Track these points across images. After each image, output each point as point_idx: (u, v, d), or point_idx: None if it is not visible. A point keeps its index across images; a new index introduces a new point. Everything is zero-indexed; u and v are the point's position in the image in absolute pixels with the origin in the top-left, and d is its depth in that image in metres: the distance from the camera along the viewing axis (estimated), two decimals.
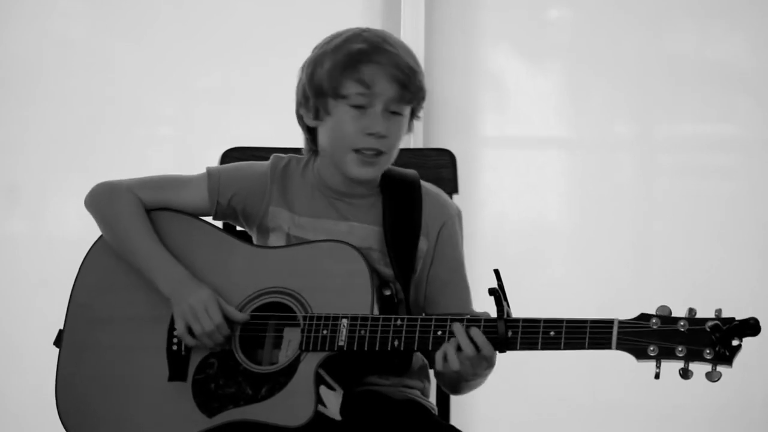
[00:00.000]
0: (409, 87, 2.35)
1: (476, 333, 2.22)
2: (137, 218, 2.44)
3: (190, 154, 3.81)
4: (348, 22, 2.48)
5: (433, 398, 2.55)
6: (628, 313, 2.17)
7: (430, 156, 2.76)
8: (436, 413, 2.49)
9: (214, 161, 2.66)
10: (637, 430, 3.74)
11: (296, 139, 2.53)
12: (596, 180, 3.77)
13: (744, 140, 3.75)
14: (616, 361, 3.55)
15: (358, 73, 2.33)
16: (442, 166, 2.73)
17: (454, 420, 2.58)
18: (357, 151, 2.36)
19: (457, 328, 2.22)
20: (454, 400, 2.61)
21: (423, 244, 2.42)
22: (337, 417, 2.28)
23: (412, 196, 2.44)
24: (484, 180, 3.77)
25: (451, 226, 2.45)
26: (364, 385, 2.40)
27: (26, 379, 3.70)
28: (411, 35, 3.71)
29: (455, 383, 2.38)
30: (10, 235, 3.81)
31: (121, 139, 3.77)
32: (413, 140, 3.61)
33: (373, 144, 2.35)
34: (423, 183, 2.48)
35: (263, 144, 2.73)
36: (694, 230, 3.72)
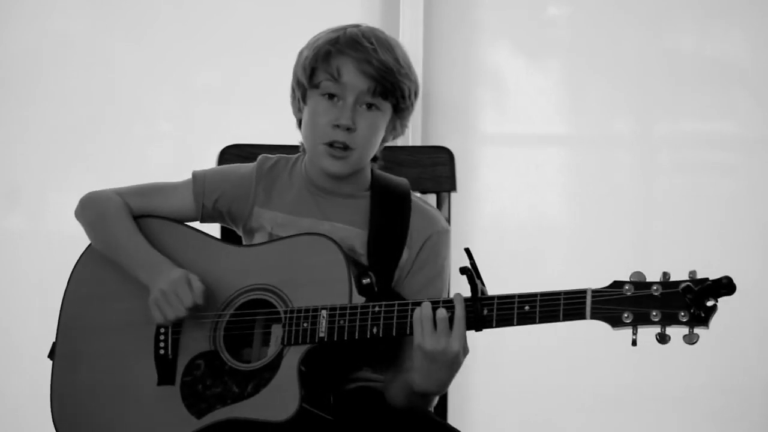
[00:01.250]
0: (380, 81, 2.35)
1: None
2: (122, 219, 2.45)
3: (189, 154, 3.81)
4: (347, 21, 2.49)
5: None
6: None
7: (427, 153, 2.76)
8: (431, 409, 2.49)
9: (213, 160, 2.66)
10: (636, 430, 3.73)
11: (295, 137, 2.53)
12: (596, 178, 3.77)
13: (744, 138, 3.75)
14: (615, 360, 3.56)
15: (328, 64, 2.36)
16: (440, 164, 2.73)
17: (451, 418, 2.57)
18: (327, 144, 2.37)
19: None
20: (452, 399, 2.61)
21: (404, 255, 2.42)
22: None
23: (401, 206, 2.44)
24: (482, 178, 3.77)
25: (436, 241, 2.44)
26: (357, 381, 2.40)
27: (26, 378, 3.70)
28: (410, 33, 3.71)
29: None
30: (10, 234, 3.80)
31: (121, 138, 3.77)
32: (411, 138, 3.61)
33: (339, 137, 2.36)
34: (414, 194, 2.47)
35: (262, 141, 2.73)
36: (694, 228, 3.71)
